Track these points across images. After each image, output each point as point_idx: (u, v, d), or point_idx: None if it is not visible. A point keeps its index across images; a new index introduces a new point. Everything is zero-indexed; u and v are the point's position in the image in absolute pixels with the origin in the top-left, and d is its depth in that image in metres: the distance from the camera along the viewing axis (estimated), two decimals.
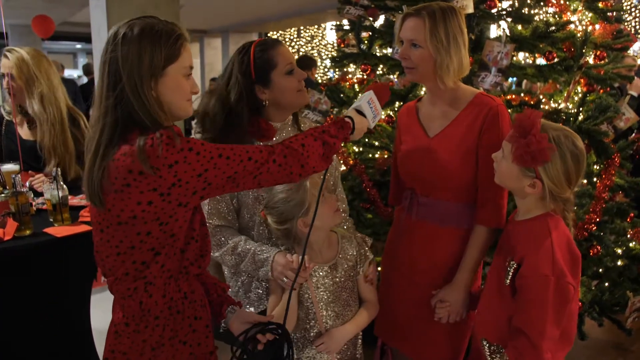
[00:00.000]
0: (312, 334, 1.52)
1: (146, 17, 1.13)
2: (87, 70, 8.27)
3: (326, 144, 1.24)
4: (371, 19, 2.66)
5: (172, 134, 1.06)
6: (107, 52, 1.09)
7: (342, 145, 1.69)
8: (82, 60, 16.13)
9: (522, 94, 2.40)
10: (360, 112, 1.38)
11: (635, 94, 4.05)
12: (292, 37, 12.51)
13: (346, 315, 1.53)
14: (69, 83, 5.78)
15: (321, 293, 1.50)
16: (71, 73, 14.01)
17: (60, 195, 1.86)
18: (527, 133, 1.27)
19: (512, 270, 1.32)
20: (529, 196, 1.34)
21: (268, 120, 1.57)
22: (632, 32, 9.08)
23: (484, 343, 1.43)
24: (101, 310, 2.60)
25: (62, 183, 1.90)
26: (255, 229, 1.59)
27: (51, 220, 1.94)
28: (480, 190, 1.54)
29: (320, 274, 1.51)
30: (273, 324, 1.29)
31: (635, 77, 4.15)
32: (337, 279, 1.51)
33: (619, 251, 2.41)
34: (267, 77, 1.51)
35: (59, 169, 1.93)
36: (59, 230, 1.85)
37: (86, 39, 12.07)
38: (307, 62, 5.26)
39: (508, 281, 1.33)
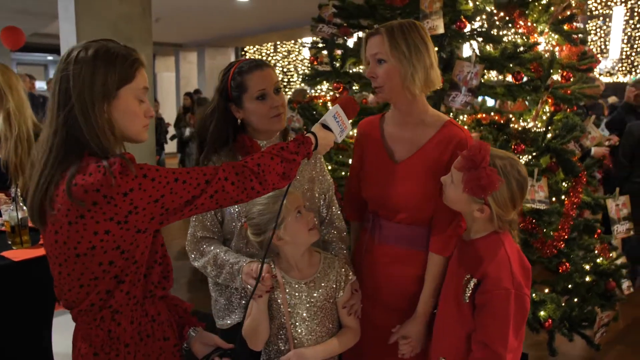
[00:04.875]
0: (283, 349, 1.50)
1: (104, 40, 1.12)
2: None
3: (285, 160, 1.24)
4: (343, 37, 2.67)
5: (124, 161, 1.04)
6: (59, 70, 1.08)
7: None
8: (52, 72, 15.84)
9: (492, 113, 2.43)
10: (326, 127, 1.38)
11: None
12: (268, 52, 12.54)
13: (322, 335, 1.51)
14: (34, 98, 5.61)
15: (296, 309, 1.48)
16: (42, 85, 13.71)
17: (20, 216, 1.79)
18: (477, 166, 1.33)
19: (471, 287, 1.36)
20: (477, 219, 1.41)
21: (252, 138, 1.60)
22: (598, 51, 9.41)
23: None
24: (62, 334, 2.51)
25: (21, 204, 1.83)
26: (234, 239, 1.61)
27: (9, 242, 1.87)
28: (441, 220, 1.54)
29: (297, 289, 1.49)
30: (231, 350, 1.30)
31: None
32: (315, 298, 1.49)
33: (587, 267, 2.45)
34: (239, 99, 1.55)
35: (18, 189, 1.86)
36: (17, 254, 1.79)
37: (57, 50, 11.87)
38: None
39: (467, 299, 1.37)
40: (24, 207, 1.84)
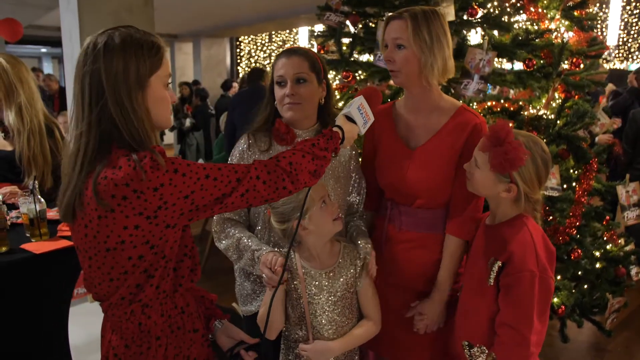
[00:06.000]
0: (302, 338, 1.51)
1: (122, 27, 1.09)
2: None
3: (316, 158, 1.22)
4: (351, 25, 2.65)
5: (155, 155, 1.02)
6: (86, 63, 1.05)
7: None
8: (47, 65, 15.65)
9: (501, 100, 2.43)
10: (350, 119, 1.35)
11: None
12: (263, 42, 12.45)
13: (342, 325, 1.51)
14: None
15: (316, 299, 1.48)
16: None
17: (38, 209, 1.77)
18: (503, 141, 1.34)
19: (496, 270, 1.37)
20: (503, 200, 1.42)
21: (289, 125, 1.59)
22: None
23: (465, 346, 1.47)
24: (77, 325, 2.52)
25: (39, 196, 1.81)
26: (259, 227, 1.62)
27: (28, 235, 1.86)
28: (458, 203, 1.56)
29: (317, 278, 1.49)
30: (256, 344, 1.30)
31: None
32: (335, 288, 1.50)
33: (597, 254, 2.47)
34: (272, 83, 1.60)
35: (36, 181, 1.85)
36: (37, 247, 1.77)
37: (52, 42, 11.71)
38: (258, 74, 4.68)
39: (492, 281, 1.38)
40: (42, 200, 1.82)
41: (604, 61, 9.03)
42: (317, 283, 1.48)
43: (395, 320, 1.64)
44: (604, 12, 9.39)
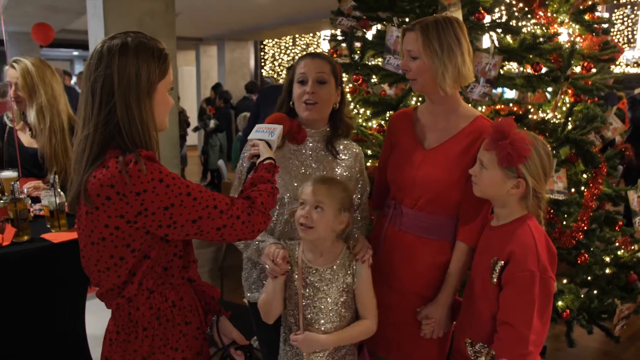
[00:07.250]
0: (295, 327, 1.55)
1: (132, 32, 1.14)
2: None
3: (274, 196, 1.30)
4: (364, 30, 2.71)
5: (140, 161, 1.05)
6: (98, 67, 1.09)
7: None
8: (78, 67, 16.13)
9: (510, 104, 2.44)
10: (269, 145, 1.42)
11: None
12: (287, 45, 12.58)
13: (334, 321, 1.54)
14: (72, 91, 5.77)
15: (312, 292, 1.52)
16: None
17: (58, 201, 1.89)
18: (507, 134, 1.37)
19: (498, 269, 1.40)
20: (510, 200, 1.44)
21: (301, 124, 1.65)
22: (625, 41, 9.19)
23: (468, 343, 1.49)
24: (95, 316, 2.62)
25: (59, 190, 1.93)
26: (281, 225, 1.65)
27: (48, 226, 1.97)
28: (468, 209, 1.59)
29: (314, 274, 1.53)
30: (246, 346, 1.35)
31: None
32: (332, 285, 1.53)
33: (607, 259, 2.45)
34: (292, 83, 1.66)
35: (56, 176, 1.97)
36: (56, 236, 1.88)
37: (83, 46, 12.07)
38: None
39: (495, 280, 1.41)
40: (62, 193, 1.94)
41: (635, 65, 8.81)
42: (314, 278, 1.52)
43: (391, 319, 1.66)
44: (635, 14, 9.17)
